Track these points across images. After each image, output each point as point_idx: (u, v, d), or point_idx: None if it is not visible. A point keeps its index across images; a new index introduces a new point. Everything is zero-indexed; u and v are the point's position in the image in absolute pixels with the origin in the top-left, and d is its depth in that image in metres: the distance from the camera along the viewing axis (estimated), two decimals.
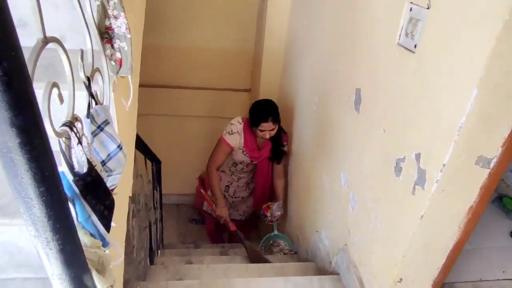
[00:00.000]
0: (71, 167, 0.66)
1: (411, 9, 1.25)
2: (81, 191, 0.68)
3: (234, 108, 3.63)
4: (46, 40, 0.56)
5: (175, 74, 3.47)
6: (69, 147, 0.66)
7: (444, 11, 1.08)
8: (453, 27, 1.05)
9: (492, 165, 1.11)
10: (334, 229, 1.91)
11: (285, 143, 2.61)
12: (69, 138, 0.65)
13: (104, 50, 1.03)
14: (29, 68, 0.50)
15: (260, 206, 2.77)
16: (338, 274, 1.78)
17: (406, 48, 1.27)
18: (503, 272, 1.81)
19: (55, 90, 0.59)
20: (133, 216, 1.61)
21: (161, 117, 3.65)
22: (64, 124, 0.65)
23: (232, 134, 2.45)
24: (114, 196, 1.03)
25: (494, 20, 0.90)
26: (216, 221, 2.95)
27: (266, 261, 2.28)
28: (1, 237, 0.98)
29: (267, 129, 2.32)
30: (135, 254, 1.63)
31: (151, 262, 2.25)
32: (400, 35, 1.31)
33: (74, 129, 0.67)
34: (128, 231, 1.54)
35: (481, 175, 1.13)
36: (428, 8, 1.16)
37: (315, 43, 2.27)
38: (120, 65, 1.09)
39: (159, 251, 2.66)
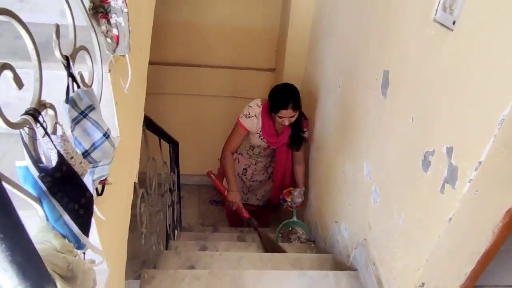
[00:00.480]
0: (35, 161, 0.58)
1: None
2: (49, 188, 0.60)
3: (257, 88, 3.51)
4: None
5: (197, 52, 3.37)
6: (33, 139, 0.58)
7: None
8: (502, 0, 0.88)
9: None
10: (354, 222, 1.79)
11: (305, 129, 2.47)
12: (32, 129, 0.57)
13: (100, 25, 0.94)
14: None
15: (280, 193, 2.67)
16: (355, 270, 1.67)
17: (443, 25, 1.11)
18: None
19: (7, 73, 0.50)
20: (141, 202, 1.56)
21: (181, 96, 3.59)
22: (26, 113, 0.56)
23: (249, 117, 2.34)
24: (109, 186, 0.96)
25: None
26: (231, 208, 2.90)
27: (280, 249, 2.20)
28: None
29: (287, 116, 2.20)
30: (143, 241, 1.58)
31: (166, 247, 2.23)
32: (437, 10, 1.14)
33: (41, 117, 0.59)
34: (135, 218, 1.49)
35: None
36: None
37: (342, 20, 2.10)
38: (117, 43, 0.99)
39: (176, 232, 2.64)
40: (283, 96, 2.21)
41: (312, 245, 2.42)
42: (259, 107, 2.35)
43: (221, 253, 1.93)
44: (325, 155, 2.37)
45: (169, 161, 2.49)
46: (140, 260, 1.83)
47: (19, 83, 0.53)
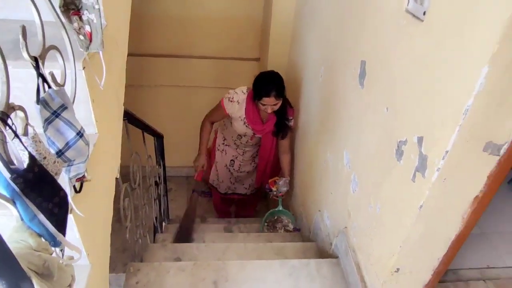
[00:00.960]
0: (6, 163, 0.59)
1: None
2: (22, 190, 0.61)
3: (242, 78, 3.50)
4: None
5: (181, 44, 3.35)
6: (3, 141, 0.59)
7: None
8: None
9: (502, 152, 0.99)
10: (335, 210, 1.83)
11: (290, 118, 2.48)
12: (2, 132, 0.58)
13: (71, 22, 0.94)
14: None
15: (265, 181, 2.71)
16: (337, 257, 1.72)
17: (414, 16, 1.13)
18: None
19: None
20: (125, 197, 1.57)
21: (167, 88, 3.57)
22: None
23: (231, 101, 2.35)
24: (88, 183, 0.98)
25: None
26: (221, 195, 2.94)
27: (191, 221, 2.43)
28: None
29: (269, 104, 2.21)
30: (127, 235, 1.60)
31: (154, 240, 2.25)
32: (409, 0, 1.16)
33: (10, 120, 0.60)
34: (118, 212, 1.50)
35: (489, 163, 1.02)
36: None
37: (322, 9, 2.11)
38: (90, 40, 1.00)
39: (163, 225, 2.66)
40: (266, 84, 2.21)
41: (298, 234, 2.47)
42: (244, 93, 2.35)
43: (207, 244, 1.97)
44: (308, 144, 2.40)
45: (154, 154, 2.50)
46: (130, 252, 1.85)
47: None
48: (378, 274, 1.37)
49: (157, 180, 2.47)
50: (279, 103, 2.25)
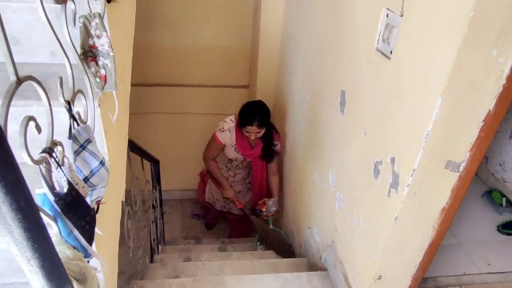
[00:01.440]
0: (51, 189, 0.73)
1: (387, 16, 1.29)
2: (62, 210, 0.75)
3: (233, 104, 3.66)
4: (19, 81, 0.62)
5: (175, 73, 3.53)
6: (49, 171, 0.73)
7: (414, 21, 1.12)
8: (421, 37, 1.09)
9: (461, 169, 1.16)
10: (323, 226, 1.97)
11: (276, 142, 2.66)
12: (48, 163, 0.72)
13: (89, 67, 1.10)
14: (4, 111, 0.56)
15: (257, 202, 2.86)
16: (326, 270, 1.85)
17: (383, 54, 1.31)
18: (489, 265, 1.86)
19: (31, 123, 0.66)
20: (128, 218, 1.70)
21: (162, 115, 3.73)
22: (43, 151, 0.71)
23: (223, 131, 2.54)
24: (103, 205, 1.12)
25: (455, 33, 0.94)
26: (218, 212, 3.11)
27: (275, 232, 2.54)
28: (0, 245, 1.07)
29: (252, 132, 2.40)
30: (131, 254, 1.71)
31: (151, 260, 2.35)
32: (378, 40, 1.35)
33: (54, 154, 0.74)
34: (122, 233, 1.62)
35: (452, 179, 1.18)
36: (401, 16, 1.19)
37: (306, 42, 2.31)
38: (105, 81, 1.15)
39: (160, 247, 2.76)
40: (250, 114, 2.41)
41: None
42: (232, 122, 2.55)
43: (203, 262, 2.08)
44: (297, 165, 2.56)
45: (150, 178, 2.62)
46: (126, 275, 1.95)
47: (39, 129, 0.69)
48: (363, 282, 1.50)
49: (154, 203, 2.58)
50: (262, 131, 2.43)
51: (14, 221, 0.56)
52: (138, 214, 1.97)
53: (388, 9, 1.27)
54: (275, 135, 2.64)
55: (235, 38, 3.45)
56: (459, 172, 1.17)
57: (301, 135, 2.45)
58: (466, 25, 0.90)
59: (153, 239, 2.44)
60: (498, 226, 2.12)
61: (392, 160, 1.26)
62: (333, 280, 1.78)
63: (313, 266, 2.07)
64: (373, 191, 1.40)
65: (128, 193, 1.80)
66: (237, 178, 2.91)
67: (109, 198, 1.22)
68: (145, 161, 2.35)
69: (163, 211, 3.53)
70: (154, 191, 2.63)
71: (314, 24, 2.14)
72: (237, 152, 2.63)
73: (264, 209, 2.71)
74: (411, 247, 1.36)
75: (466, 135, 1.10)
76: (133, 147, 1.87)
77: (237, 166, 2.82)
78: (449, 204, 1.24)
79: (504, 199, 2.26)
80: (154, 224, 2.53)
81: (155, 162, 2.65)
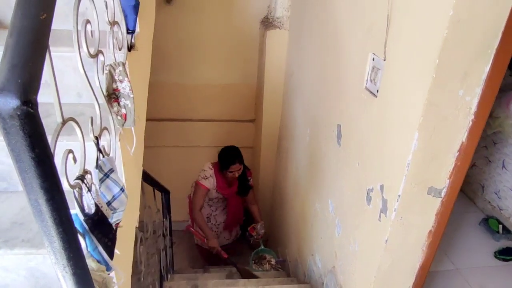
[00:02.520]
0: (82, 209, 0.88)
1: (373, 59, 1.46)
2: (90, 228, 0.89)
3: (240, 137, 3.87)
4: (64, 122, 0.78)
5: (185, 108, 3.73)
6: (81, 195, 0.88)
7: (395, 64, 1.29)
8: (401, 78, 1.25)
9: (443, 194, 1.28)
10: (324, 253, 2.07)
11: (249, 178, 3.11)
12: (80, 188, 0.87)
13: (112, 107, 1.27)
14: (52, 146, 0.72)
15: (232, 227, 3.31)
16: None
17: (371, 92, 1.47)
18: None
19: (70, 155, 0.81)
20: (140, 244, 1.82)
21: (172, 148, 3.90)
22: (77, 178, 0.87)
23: (206, 178, 2.95)
24: (120, 228, 1.25)
25: (425, 76, 1.10)
26: (207, 251, 3.29)
27: (256, 276, 2.68)
28: (29, 264, 1.20)
29: (236, 170, 2.84)
30: (142, 279, 1.82)
31: (160, 287, 2.44)
32: (367, 80, 1.51)
33: (85, 180, 0.89)
34: (135, 257, 1.74)
35: (435, 203, 1.30)
36: (384, 60, 1.36)
37: (306, 80, 2.49)
38: (125, 119, 1.32)
39: (169, 275, 2.85)
40: (231, 155, 2.91)
41: (293, 278, 2.70)
42: (211, 169, 3.00)
43: None
44: (300, 196, 2.67)
45: (161, 208, 2.76)
46: None
47: (75, 160, 0.84)
48: None
49: (164, 232, 2.70)
50: (242, 167, 2.89)
51: (57, 233, 0.70)
52: (149, 242, 2.09)
53: (374, 53, 1.44)
54: (247, 172, 3.11)
55: (242, 76, 3.67)
56: (441, 197, 1.29)
57: (303, 166, 2.58)
58: (433, 69, 1.06)
59: (163, 267, 2.54)
60: (495, 253, 2.19)
61: (381, 187, 1.38)
62: None
63: None
64: (366, 216, 1.52)
65: (141, 221, 1.93)
66: (218, 211, 3.27)
67: (125, 222, 1.36)
68: (156, 192, 2.49)
69: (173, 241, 3.63)
70: (164, 220, 2.76)
71: (313, 64, 2.33)
72: (217, 193, 3.05)
73: (254, 233, 3.09)
74: (403, 269, 1.45)
75: (444, 164, 1.23)
76: (146, 177, 2.02)
77: (217, 202, 3.21)
78: (435, 227, 1.35)
79: (500, 226, 2.33)
80: (164, 252, 2.63)
81: (166, 192, 2.79)
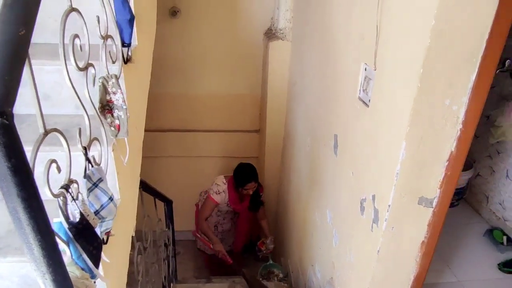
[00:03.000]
0: (66, 218, 0.90)
1: (365, 69, 1.46)
2: (74, 236, 0.91)
3: (245, 148, 3.88)
4: (46, 133, 0.81)
5: (189, 119, 3.77)
6: (65, 203, 0.90)
7: (384, 74, 1.29)
8: (389, 87, 1.25)
9: (434, 204, 1.27)
10: (323, 263, 2.05)
11: (261, 194, 3.15)
12: (65, 197, 0.89)
13: (106, 118, 1.30)
14: (32, 156, 0.74)
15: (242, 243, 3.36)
16: None
17: (363, 102, 1.48)
18: None
19: (53, 165, 0.84)
20: (138, 253, 1.84)
21: (177, 158, 3.93)
22: (61, 187, 0.89)
23: (218, 193, 3.00)
24: (113, 237, 1.27)
25: (411, 85, 1.10)
26: (209, 256, 3.43)
27: (263, 285, 2.63)
28: (21, 271, 1.22)
29: (251, 188, 2.88)
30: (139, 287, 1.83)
31: None
32: (360, 90, 1.52)
33: (70, 189, 0.92)
34: (132, 266, 1.76)
35: (426, 214, 1.29)
36: (375, 70, 1.37)
37: (306, 90, 2.50)
38: (118, 130, 1.35)
39: (171, 284, 2.85)
40: (247, 174, 2.94)
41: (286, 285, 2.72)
42: (224, 184, 3.05)
43: None
44: (301, 206, 2.66)
45: (164, 218, 2.78)
46: None
47: (59, 170, 0.86)
48: None
49: (166, 242, 2.71)
50: (257, 185, 2.93)
51: (35, 241, 0.72)
52: (148, 251, 2.10)
53: (365, 63, 1.45)
54: (260, 188, 3.14)
55: (247, 87, 3.70)
56: (432, 207, 1.27)
57: (304, 176, 2.58)
58: (418, 79, 1.06)
59: (164, 277, 2.55)
60: (499, 265, 2.13)
61: (373, 197, 1.38)
62: None
63: None
64: (360, 226, 1.51)
65: (140, 230, 1.95)
66: (226, 220, 3.33)
67: (118, 231, 1.38)
68: (158, 201, 2.51)
69: (177, 251, 3.65)
70: (167, 229, 2.77)
71: (313, 74, 2.34)
72: (228, 206, 3.11)
73: (263, 248, 3.12)
74: (397, 280, 1.43)
75: (434, 173, 1.22)
76: (146, 187, 2.04)
77: (226, 212, 3.25)
78: (428, 238, 1.33)
79: (505, 237, 2.28)
80: (166, 262, 2.65)
81: (168, 202, 2.81)
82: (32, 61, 1.42)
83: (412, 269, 1.41)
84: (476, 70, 1.06)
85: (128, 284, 1.56)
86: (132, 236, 1.65)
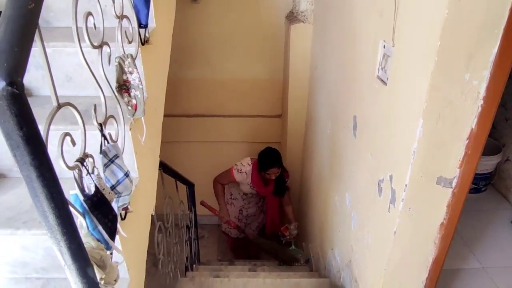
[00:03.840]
0: (81, 190, 0.93)
1: (384, 47, 1.42)
2: (89, 208, 0.94)
3: (267, 133, 3.88)
4: (59, 106, 0.83)
5: (212, 104, 3.81)
6: (80, 176, 0.93)
7: (402, 50, 1.25)
8: (407, 64, 1.21)
9: (453, 185, 1.23)
10: (342, 247, 2.04)
11: (287, 179, 3.11)
12: (80, 170, 0.93)
13: (123, 98, 1.33)
14: (45, 128, 0.77)
15: (275, 230, 3.30)
16: None
17: (382, 81, 1.44)
18: None
19: (67, 138, 0.87)
20: (159, 232, 1.88)
21: (200, 143, 3.99)
22: (76, 160, 0.92)
23: (240, 172, 2.99)
24: (131, 213, 1.31)
25: (428, 60, 1.06)
26: (233, 240, 3.47)
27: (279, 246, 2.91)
28: (45, 243, 1.29)
29: (273, 173, 2.85)
30: (160, 266, 1.89)
31: (183, 276, 2.51)
32: (378, 69, 1.48)
33: (85, 163, 0.95)
34: (152, 244, 1.81)
35: (445, 194, 1.25)
36: (393, 46, 1.32)
37: (328, 71, 2.46)
38: (135, 109, 1.38)
39: (194, 266, 2.92)
40: (270, 159, 2.92)
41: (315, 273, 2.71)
42: (249, 165, 3.03)
43: (230, 279, 2.20)
44: (323, 189, 2.64)
45: (186, 200, 2.83)
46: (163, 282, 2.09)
47: (73, 143, 0.89)
48: None
49: (188, 224, 2.77)
50: (280, 171, 2.90)
51: (49, 208, 0.76)
52: (170, 232, 2.16)
53: (384, 41, 1.40)
54: (285, 173, 3.11)
55: (269, 71, 3.68)
56: (451, 188, 1.23)
57: (325, 160, 2.55)
58: (435, 53, 1.02)
59: (186, 257, 2.61)
60: None
61: (391, 177, 1.35)
62: None
63: (334, 287, 2.11)
64: (377, 208, 1.48)
65: (161, 211, 2.00)
66: (251, 204, 3.36)
67: (137, 209, 1.42)
68: (181, 185, 2.56)
69: (202, 235, 3.73)
70: (189, 212, 2.83)
71: (334, 56, 2.30)
72: (252, 188, 3.11)
73: (287, 233, 3.16)
74: (415, 263, 1.41)
75: (453, 152, 1.18)
76: (166, 169, 2.08)
77: (251, 196, 3.27)
78: (447, 219, 1.30)
79: None
80: (188, 243, 2.71)
81: (190, 185, 2.86)
82: (54, 43, 1.47)
83: (431, 252, 1.37)
84: (498, 42, 1.00)
85: (152, 264, 1.60)
86: (152, 215, 1.69)
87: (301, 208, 3.67)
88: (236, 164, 3.06)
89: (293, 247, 3.21)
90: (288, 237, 3.16)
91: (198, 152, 4.03)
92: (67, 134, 0.87)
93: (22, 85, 0.66)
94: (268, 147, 3.05)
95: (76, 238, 0.83)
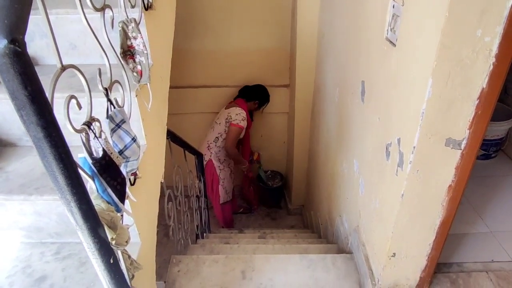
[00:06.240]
0: (89, 153, 0.94)
1: (393, 6, 1.38)
2: (98, 171, 0.95)
3: (275, 103, 3.85)
4: (63, 68, 0.83)
5: (219, 75, 3.77)
6: (88, 140, 0.94)
7: (411, 9, 1.21)
8: (416, 22, 1.17)
9: (463, 146, 1.21)
10: (350, 213, 2.05)
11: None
12: (87, 133, 0.93)
13: (128, 64, 1.32)
14: (50, 89, 0.77)
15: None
16: (351, 253, 1.93)
17: (391, 42, 1.40)
18: None
19: (73, 101, 0.87)
20: (169, 200, 1.92)
21: (206, 115, 3.98)
22: (83, 124, 0.93)
23: (244, 120, 3.36)
24: (140, 179, 1.33)
25: (438, 16, 1.02)
26: (233, 206, 3.91)
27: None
28: (58, 209, 1.32)
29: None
30: (171, 232, 1.93)
31: (194, 243, 2.57)
32: (387, 30, 1.44)
33: (92, 127, 0.95)
34: (163, 211, 1.84)
35: (454, 156, 1.24)
36: (403, 5, 1.28)
37: (335, 39, 2.41)
38: (141, 76, 1.37)
39: (204, 234, 2.98)
40: (266, 91, 3.61)
41: (323, 240, 2.73)
42: (243, 110, 3.39)
43: (239, 245, 2.25)
44: (331, 158, 2.64)
45: (195, 170, 2.86)
46: (173, 247, 2.13)
47: (79, 106, 0.90)
48: (380, 261, 1.57)
49: (198, 194, 2.81)
50: None
51: (58, 169, 0.77)
52: (180, 200, 2.19)
53: (393, 0, 1.36)
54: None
55: (276, 41, 3.62)
56: (460, 149, 1.22)
57: (333, 128, 2.54)
58: (446, 8, 0.99)
59: (197, 226, 2.66)
60: None
61: (399, 140, 1.34)
62: (356, 262, 1.86)
63: (342, 251, 2.15)
64: (385, 172, 1.48)
65: (170, 181, 2.03)
66: (231, 166, 3.70)
67: (146, 175, 1.44)
68: (189, 155, 2.58)
69: (212, 205, 3.78)
70: (198, 182, 2.86)
71: (340, 22, 2.24)
72: (244, 131, 3.50)
73: (260, 159, 4.10)
74: (422, 225, 1.41)
75: (463, 113, 1.15)
76: (174, 138, 2.09)
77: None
78: (455, 182, 1.29)
79: None
80: (198, 212, 2.75)
81: (198, 155, 2.88)
82: (56, 11, 1.44)
83: (438, 214, 1.38)
84: None
85: (164, 234, 1.64)
86: (161, 183, 1.71)
87: (309, 179, 3.69)
88: (234, 119, 3.32)
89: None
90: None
91: (205, 123, 4.03)
92: (72, 96, 0.87)
93: (24, 43, 0.65)
94: (256, 84, 3.62)
95: (86, 198, 0.84)
